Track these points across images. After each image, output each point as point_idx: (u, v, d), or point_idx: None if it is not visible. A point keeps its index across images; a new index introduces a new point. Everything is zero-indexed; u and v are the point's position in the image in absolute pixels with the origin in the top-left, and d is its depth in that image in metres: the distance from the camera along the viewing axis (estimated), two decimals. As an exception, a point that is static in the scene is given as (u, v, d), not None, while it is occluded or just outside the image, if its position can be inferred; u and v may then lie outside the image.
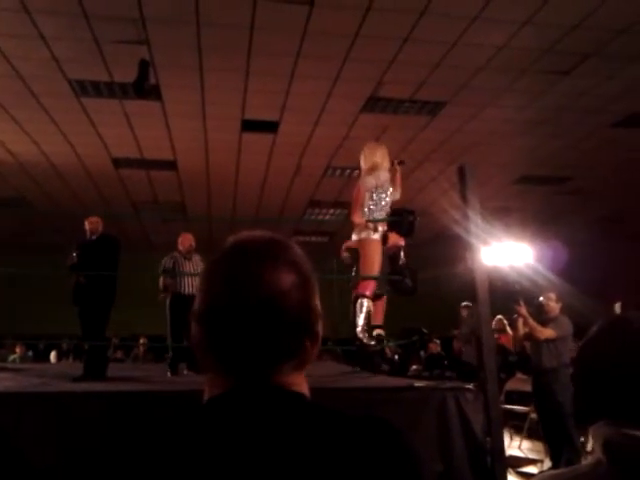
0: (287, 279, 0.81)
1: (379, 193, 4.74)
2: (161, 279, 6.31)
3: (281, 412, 0.78)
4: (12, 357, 10.94)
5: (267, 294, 0.79)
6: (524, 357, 7.90)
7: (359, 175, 4.98)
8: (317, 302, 0.86)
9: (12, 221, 12.94)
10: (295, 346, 0.82)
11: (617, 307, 7.71)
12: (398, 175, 5.10)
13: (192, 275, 6.08)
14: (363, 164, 4.92)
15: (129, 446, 0.79)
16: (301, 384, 0.83)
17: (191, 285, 6.08)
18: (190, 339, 0.85)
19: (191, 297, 5.96)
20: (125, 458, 0.77)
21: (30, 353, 12.08)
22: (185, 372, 5.95)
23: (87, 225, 5.31)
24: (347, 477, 0.74)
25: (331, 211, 12.78)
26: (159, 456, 0.76)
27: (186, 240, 6.44)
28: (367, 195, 4.72)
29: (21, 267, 12.05)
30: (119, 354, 11.50)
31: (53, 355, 11.90)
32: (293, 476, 0.73)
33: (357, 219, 4.67)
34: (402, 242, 4.82)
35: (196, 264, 6.31)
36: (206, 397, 0.82)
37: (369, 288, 4.66)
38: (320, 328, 0.86)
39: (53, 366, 9.35)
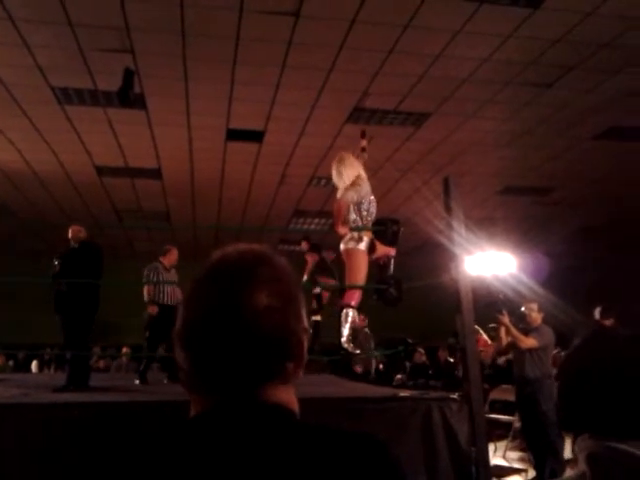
0: (264, 301, 0.80)
1: (361, 205, 4.69)
2: (145, 290, 6.30)
3: (264, 427, 0.78)
4: (-8, 367, 10.79)
5: (245, 317, 0.79)
6: (499, 370, 7.97)
7: (335, 190, 4.87)
8: (301, 322, 0.85)
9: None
10: (276, 368, 0.81)
11: (597, 312, 7.75)
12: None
13: (172, 284, 6.16)
14: (340, 178, 4.78)
15: (111, 461, 0.79)
16: (287, 399, 0.83)
17: (171, 296, 6.14)
18: (174, 357, 0.85)
19: (170, 307, 5.97)
20: (108, 474, 0.77)
21: (11, 363, 11.92)
22: (165, 381, 5.95)
23: (70, 233, 5.28)
24: None
25: (316, 220, 12.78)
26: (145, 471, 0.76)
27: (173, 255, 6.55)
28: (350, 208, 4.67)
29: (2, 274, 11.91)
30: (102, 364, 11.37)
31: (34, 365, 11.74)
32: None
33: (341, 230, 4.63)
34: (393, 252, 4.82)
35: (173, 276, 6.46)
36: (192, 414, 0.82)
37: (354, 298, 4.66)
38: (304, 349, 0.85)
39: (34, 376, 9.23)
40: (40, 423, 2.69)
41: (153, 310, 6.13)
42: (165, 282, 6.23)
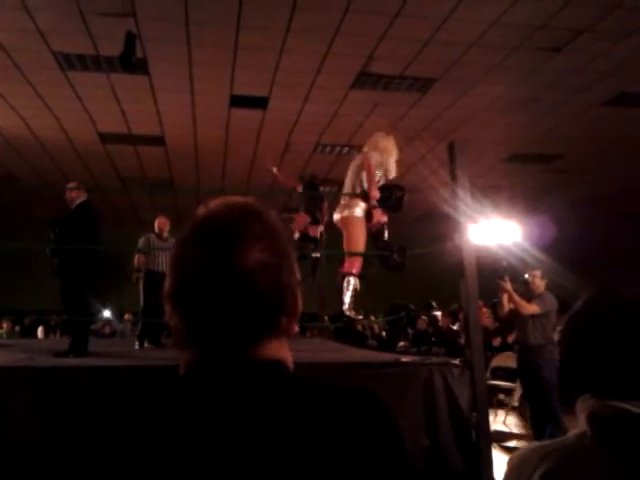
0: (256, 257, 0.78)
1: (377, 170, 4.77)
2: (136, 258, 6.55)
3: (256, 381, 0.77)
4: (-1, 332, 10.92)
5: (236, 273, 0.77)
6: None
7: (359, 151, 4.91)
8: (294, 276, 0.84)
9: (1, 196, 12.78)
10: (270, 323, 0.80)
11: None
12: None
13: (166, 249, 6.26)
14: (377, 146, 4.88)
15: (99, 419, 0.78)
16: (280, 354, 0.82)
17: (165, 263, 6.20)
18: (165, 318, 0.83)
19: (164, 275, 6.01)
20: (99, 432, 0.76)
21: (17, 329, 12.05)
22: (146, 345, 6.06)
23: (66, 194, 5.15)
24: (326, 445, 0.73)
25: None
26: (134, 428, 0.75)
27: (162, 223, 6.69)
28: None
29: (7, 242, 11.98)
30: (107, 329, 11.49)
31: (40, 330, 11.88)
32: (269, 442, 0.72)
33: (376, 194, 4.66)
34: (385, 218, 4.80)
35: (170, 244, 6.44)
36: (181, 371, 0.81)
37: (355, 266, 4.66)
38: (298, 302, 0.84)
39: (40, 341, 9.33)
40: (40, 385, 2.73)
41: (136, 277, 6.41)
42: (157, 249, 6.35)
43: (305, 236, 6.45)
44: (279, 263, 0.81)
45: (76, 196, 5.08)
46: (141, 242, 6.57)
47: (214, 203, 0.85)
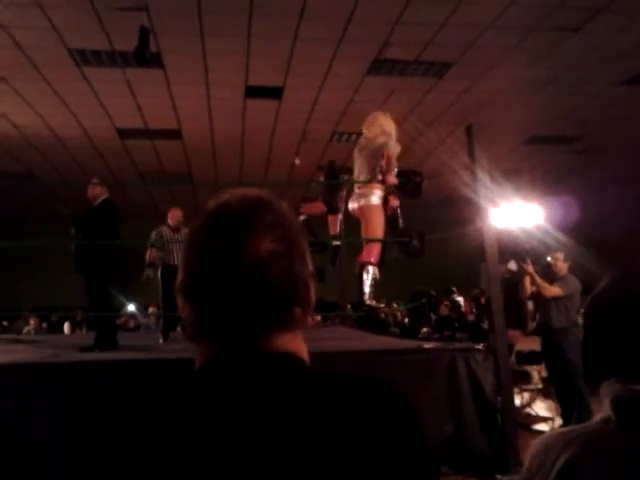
0: (269, 247, 0.78)
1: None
2: (148, 253, 6.52)
3: (271, 374, 0.77)
4: (27, 329, 11.07)
5: (248, 264, 0.77)
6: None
7: (375, 140, 4.86)
8: (306, 267, 0.83)
9: (23, 193, 12.95)
10: (283, 314, 0.79)
11: (512, 264, 7.69)
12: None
13: (180, 242, 6.26)
14: (383, 129, 4.83)
15: (116, 414, 0.78)
16: (294, 346, 0.81)
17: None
18: (179, 311, 0.83)
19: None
20: (120, 429, 0.77)
21: (44, 325, 12.23)
22: (171, 336, 6.13)
23: (89, 191, 5.22)
24: (341, 438, 0.72)
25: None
26: (149, 424, 0.75)
27: (175, 215, 6.66)
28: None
29: (34, 239, 12.16)
30: (132, 323, 11.61)
31: (67, 326, 12.04)
32: (285, 436, 0.72)
33: (392, 179, 4.65)
34: (397, 203, 4.77)
35: (183, 236, 6.46)
36: (197, 366, 0.81)
37: (374, 254, 4.63)
38: (311, 293, 0.83)
39: (66, 337, 9.47)
40: (66, 380, 2.77)
41: (147, 274, 6.42)
42: (171, 242, 6.36)
43: (308, 225, 6.36)
44: (291, 253, 0.80)
45: (99, 193, 5.18)
46: (153, 236, 6.55)
47: (226, 194, 0.85)
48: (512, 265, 8.61)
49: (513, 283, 7.93)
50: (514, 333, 8.16)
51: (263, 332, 0.79)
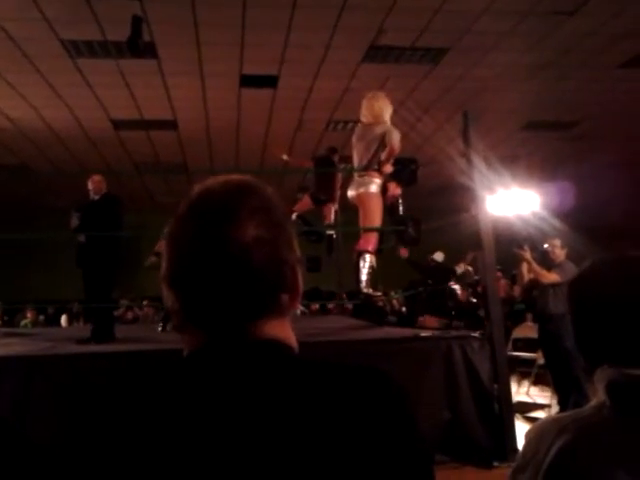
0: (252, 232, 0.76)
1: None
2: (158, 244, 6.56)
3: (259, 362, 0.76)
4: (24, 322, 11.08)
5: (233, 251, 0.75)
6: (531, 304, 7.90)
7: (376, 126, 4.81)
8: (293, 252, 0.82)
9: (18, 187, 12.91)
10: (270, 301, 0.78)
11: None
12: None
13: None
14: (378, 112, 4.80)
15: (104, 405, 0.77)
16: (282, 334, 0.80)
17: None
18: (163, 302, 0.81)
19: None
20: (108, 421, 0.76)
21: (41, 317, 12.22)
22: (169, 328, 6.14)
23: (90, 184, 5.23)
24: (332, 426, 0.71)
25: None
26: (136, 414, 0.74)
27: None
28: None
29: (30, 232, 12.13)
30: (130, 315, 11.61)
31: (64, 319, 12.04)
32: (273, 424, 0.71)
33: (389, 169, 4.64)
34: (398, 191, 4.76)
35: None
36: (184, 355, 0.80)
37: (371, 243, 4.62)
38: (298, 279, 0.82)
39: (63, 330, 9.47)
40: (64, 372, 2.77)
41: (152, 262, 6.45)
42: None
43: (302, 218, 6.33)
44: (276, 238, 0.79)
45: (103, 187, 5.21)
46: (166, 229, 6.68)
47: (209, 180, 0.83)
48: (437, 256, 8.84)
49: (439, 272, 8.09)
50: (430, 319, 8.30)
51: (249, 319, 0.77)
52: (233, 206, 0.78)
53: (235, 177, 0.84)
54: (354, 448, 0.70)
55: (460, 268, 9.06)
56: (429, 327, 7.22)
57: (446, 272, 8.65)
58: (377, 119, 4.78)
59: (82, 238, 4.94)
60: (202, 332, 0.78)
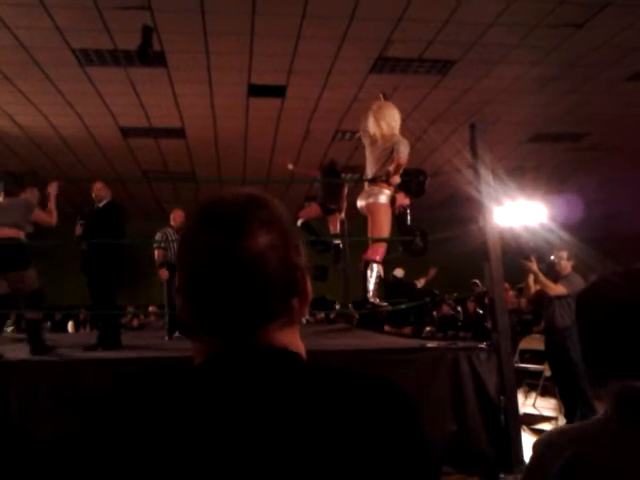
0: (264, 240, 0.79)
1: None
2: (156, 253, 6.66)
3: (269, 370, 0.77)
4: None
5: (245, 259, 0.77)
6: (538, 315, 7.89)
7: (387, 138, 4.83)
8: (301, 259, 0.84)
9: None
10: (282, 307, 0.80)
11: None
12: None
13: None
14: (388, 124, 4.82)
15: (115, 412, 0.78)
16: (292, 341, 0.81)
17: None
18: (178, 312, 0.83)
19: None
20: (110, 426, 0.77)
21: (48, 324, 12.23)
22: (176, 335, 6.19)
23: (93, 191, 5.30)
24: (339, 433, 0.72)
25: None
26: (148, 422, 0.75)
27: (177, 216, 6.86)
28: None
29: (38, 238, 12.15)
30: (135, 322, 11.62)
31: (70, 325, 12.06)
32: (283, 432, 0.71)
33: (397, 180, 4.67)
34: (407, 201, 4.77)
35: None
36: (196, 363, 0.82)
37: (379, 253, 4.63)
38: (308, 284, 0.84)
39: (70, 336, 9.48)
40: (70, 378, 2.77)
41: (163, 274, 6.44)
42: (174, 241, 6.49)
43: (307, 226, 6.35)
44: (286, 245, 0.81)
45: (105, 194, 5.26)
46: (158, 236, 6.73)
47: (215, 195, 0.85)
48: (398, 272, 9.10)
49: (400, 288, 8.32)
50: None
51: (262, 324, 0.79)
52: (243, 216, 0.80)
53: (243, 190, 0.86)
54: (362, 457, 0.71)
55: (420, 283, 9.49)
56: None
57: (406, 287, 8.92)
58: (387, 131, 4.80)
59: (85, 246, 4.98)
60: (216, 339, 0.79)
